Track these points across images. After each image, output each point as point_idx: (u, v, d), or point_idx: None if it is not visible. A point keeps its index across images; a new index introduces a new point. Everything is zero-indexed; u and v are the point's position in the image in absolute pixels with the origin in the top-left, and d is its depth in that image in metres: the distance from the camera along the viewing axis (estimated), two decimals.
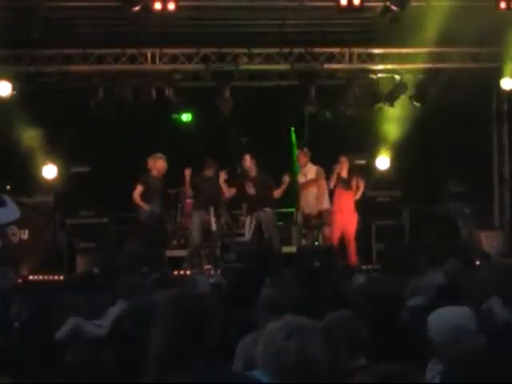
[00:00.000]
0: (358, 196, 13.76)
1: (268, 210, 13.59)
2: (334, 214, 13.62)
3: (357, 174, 13.87)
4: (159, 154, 13.55)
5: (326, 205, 13.74)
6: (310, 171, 13.82)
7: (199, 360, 3.63)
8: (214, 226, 13.41)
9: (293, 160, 15.48)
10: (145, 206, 13.20)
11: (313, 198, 13.73)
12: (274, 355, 3.55)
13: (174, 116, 15.46)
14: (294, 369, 3.52)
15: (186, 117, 15.66)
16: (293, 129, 16.05)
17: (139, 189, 13.26)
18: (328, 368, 3.63)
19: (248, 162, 13.74)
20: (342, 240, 13.55)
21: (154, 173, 13.45)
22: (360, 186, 13.77)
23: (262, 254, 11.53)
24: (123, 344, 4.71)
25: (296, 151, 14.95)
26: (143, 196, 13.25)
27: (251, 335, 4.96)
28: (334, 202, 13.70)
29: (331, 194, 13.81)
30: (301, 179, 13.89)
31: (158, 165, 13.44)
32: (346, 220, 13.57)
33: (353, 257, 13.46)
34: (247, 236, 13.67)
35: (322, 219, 13.71)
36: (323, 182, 13.69)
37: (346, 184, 13.64)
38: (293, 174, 14.23)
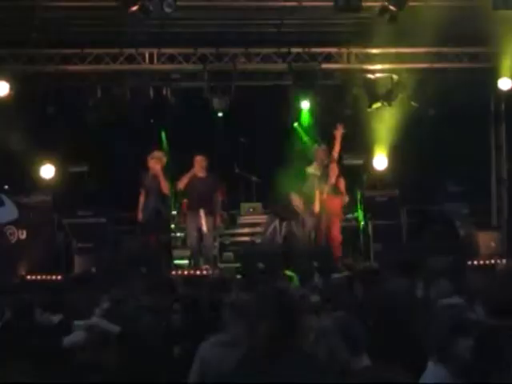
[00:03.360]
0: (346, 199, 13.85)
1: (299, 221, 13.65)
2: (323, 218, 13.61)
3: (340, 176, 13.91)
4: (155, 153, 13.53)
5: None
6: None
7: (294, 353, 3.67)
8: (204, 228, 13.31)
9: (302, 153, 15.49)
10: (140, 214, 13.21)
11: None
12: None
13: None
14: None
15: None
16: (296, 124, 15.99)
17: (142, 192, 13.36)
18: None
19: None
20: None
21: (150, 172, 13.42)
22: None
23: None
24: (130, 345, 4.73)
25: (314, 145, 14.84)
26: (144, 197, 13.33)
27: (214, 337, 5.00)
28: (324, 206, 13.68)
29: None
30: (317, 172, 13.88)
31: (151, 164, 13.40)
32: (330, 225, 13.61)
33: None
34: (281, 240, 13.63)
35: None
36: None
37: (336, 190, 13.66)
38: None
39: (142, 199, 13.37)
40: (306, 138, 15.72)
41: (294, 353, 3.72)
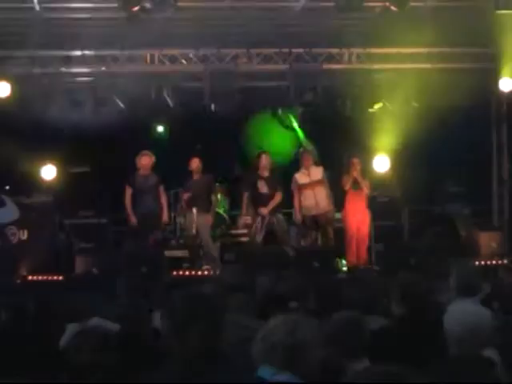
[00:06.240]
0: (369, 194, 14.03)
1: (280, 216, 13.61)
2: (348, 215, 13.76)
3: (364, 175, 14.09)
4: (144, 151, 13.51)
5: (332, 205, 13.83)
6: (315, 172, 13.81)
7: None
8: (194, 229, 13.38)
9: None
10: (132, 219, 13.22)
11: (322, 198, 13.74)
12: (263, 341, 3.62)
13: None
14: (285, 352, 3.57)
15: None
16: (295, 125, 16.02)
17: (128, 192, 13.29)
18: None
19: (264, 160, 13.71)
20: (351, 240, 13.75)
21: (141, 172, 13.41)
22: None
23: None
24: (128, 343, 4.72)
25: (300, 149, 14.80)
26: (133, 198, 13.29)
27: None
28: (347, 204, 13.81)
29: (339, 195, 13.92)
30: (303, 179, 13.82)
31: (142, 162, 13.41)
32: (359, 220, 13.72)
33: (363, 256, 13.59)
34: (259, 237, 13.57)
35: (328, 219, 13.78)
36: (327, 182, 13.77)
37: (358, 185, 13.80)
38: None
39: (129, 201, 13.27)
40: (303, 138, 15.79)
41: (224, 354, 3.75)
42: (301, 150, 14.01)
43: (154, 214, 13.31)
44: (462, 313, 4.51)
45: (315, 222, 13.75)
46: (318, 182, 13.74)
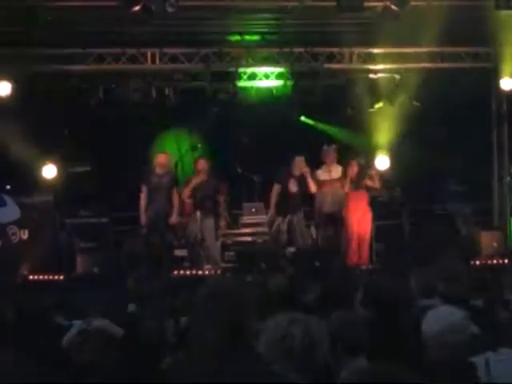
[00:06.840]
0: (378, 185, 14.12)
1: (301, 215, 13.64)
2: (349, 214, 13.77)
3: (369, 175, 14.09)
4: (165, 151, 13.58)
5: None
6: (336, 169, 13.87)
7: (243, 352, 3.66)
8: (199, 233, 13.39)
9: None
10: (143, 219, 13.20)
11: (338, 197, 13.79)
12: (279, 342, 3.61)
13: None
14: (300, 351, 3.57)
15: None
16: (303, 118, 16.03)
17: (144, 191, 13.30)
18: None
19: (300, 164, 13.70)
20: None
21: (157, 170, 13.43)
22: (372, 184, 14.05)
23: None
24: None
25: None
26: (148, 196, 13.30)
27: None
28: (348, 203, 13.84)
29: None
30: (324, 176, 13.87)
31: (158, 159, 13.42)
32: (360, 219, 13.77)
33: (364, 256, 13.65)
34: (283, 236, 13.61)
35: (339, 218, 13.84)
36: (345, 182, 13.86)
37: (357, 185, 13.81)
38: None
39: (143, 200, 13.30)
40: (320, 125, 15.84)
41: (243, 352, 3.69)
42: (324, 147, 14.01)
43: (164, 213, 13.29)
44: (437, 317, 4.56)
45: (326, 221, 13.82)
46: (337, 181, 13.83)
